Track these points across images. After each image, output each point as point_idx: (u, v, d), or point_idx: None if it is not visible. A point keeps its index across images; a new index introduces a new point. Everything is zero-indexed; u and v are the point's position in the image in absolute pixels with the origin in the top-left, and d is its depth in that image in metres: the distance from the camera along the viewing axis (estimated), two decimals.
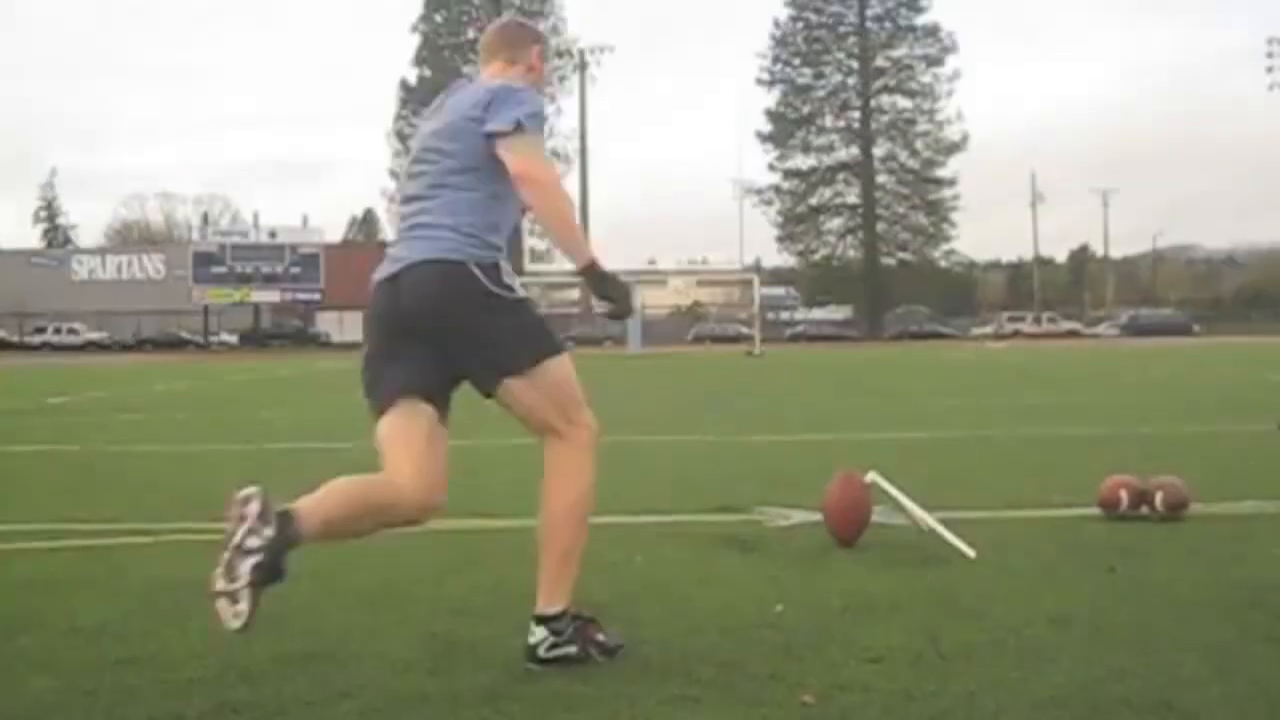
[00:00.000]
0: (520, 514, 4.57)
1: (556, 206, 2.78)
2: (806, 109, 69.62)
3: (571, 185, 57.24)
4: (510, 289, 2.76)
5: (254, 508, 2.47)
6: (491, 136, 2.74)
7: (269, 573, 2.44)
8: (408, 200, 2.91)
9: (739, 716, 2.39)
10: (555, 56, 65.77)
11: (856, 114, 68.81)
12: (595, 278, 2.79)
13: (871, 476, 4.11)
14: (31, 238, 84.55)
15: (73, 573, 3.81)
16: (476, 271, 2.71)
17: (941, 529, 3.89)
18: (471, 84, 3.02)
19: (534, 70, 3.12)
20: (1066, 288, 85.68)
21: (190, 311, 58.60)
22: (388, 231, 74.86)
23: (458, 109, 2.88)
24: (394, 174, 68.22)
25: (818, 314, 69.01)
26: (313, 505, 2.57)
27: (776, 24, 69.78)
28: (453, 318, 2.72)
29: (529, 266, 42.28)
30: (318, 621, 3.12)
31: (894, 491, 4.06)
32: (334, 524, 2.61)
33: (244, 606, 2.42)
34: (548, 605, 2.75)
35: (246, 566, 2.41)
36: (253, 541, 2.43)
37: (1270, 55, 61.54)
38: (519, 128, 2.73)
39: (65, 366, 31.97)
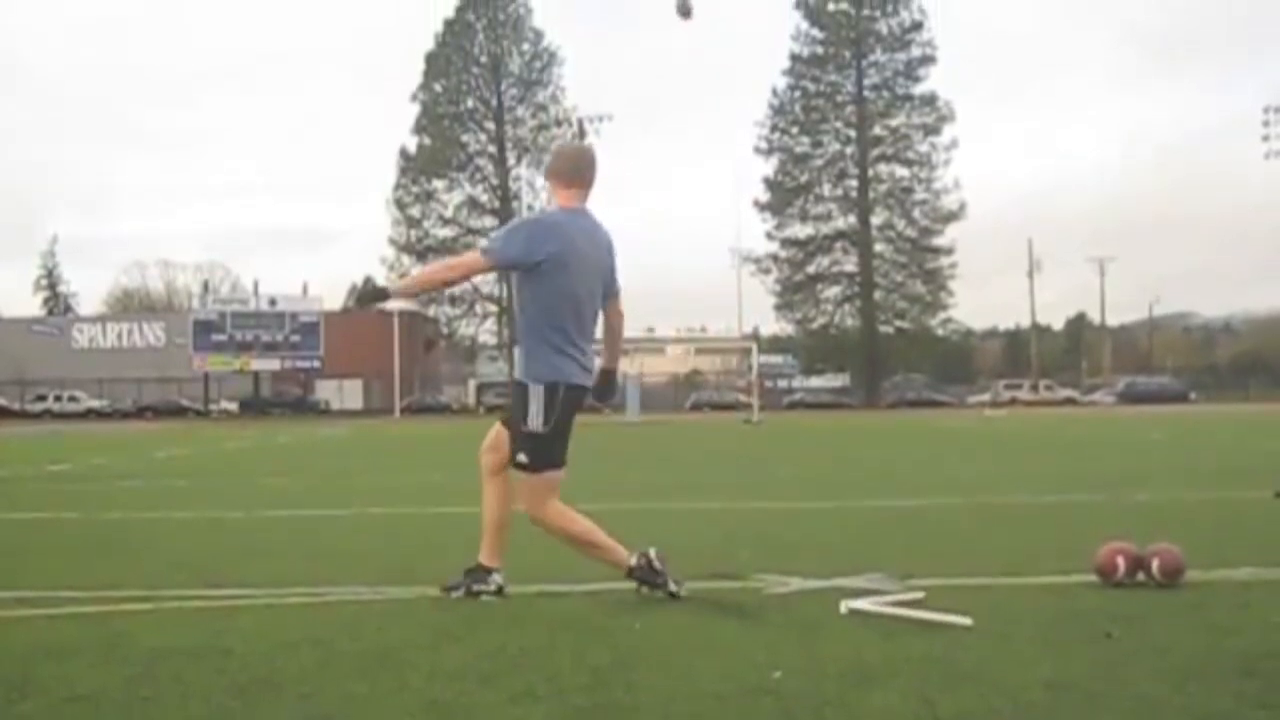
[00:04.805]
0: (518, 580, 4.58)
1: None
2: (804, 177, 70.17)
3: None
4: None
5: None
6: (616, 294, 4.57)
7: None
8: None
9: None
10: (554, 125, 66.39)
11: (854, 183, 69.39)
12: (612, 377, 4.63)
13: (845, 607, 4.07)
14: (32, 305, 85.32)
15: (73, 640, 3.81)
16: None
17: (937, 616, 3.87)
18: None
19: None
20: (1063, 355, 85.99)
21: (190, 379, 58.76)
22: None
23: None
24: (393, 241, 68.56)
25: (815, 382, 69.04)
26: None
27: (775, 93, 70.75)
28: None
29: None
30: (316, 688, 3.13)
31: (879, 609, 4.03)
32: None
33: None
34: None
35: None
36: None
37: (1267, 124, 62.24)
38: None
39: (66, 434, 31.95)
